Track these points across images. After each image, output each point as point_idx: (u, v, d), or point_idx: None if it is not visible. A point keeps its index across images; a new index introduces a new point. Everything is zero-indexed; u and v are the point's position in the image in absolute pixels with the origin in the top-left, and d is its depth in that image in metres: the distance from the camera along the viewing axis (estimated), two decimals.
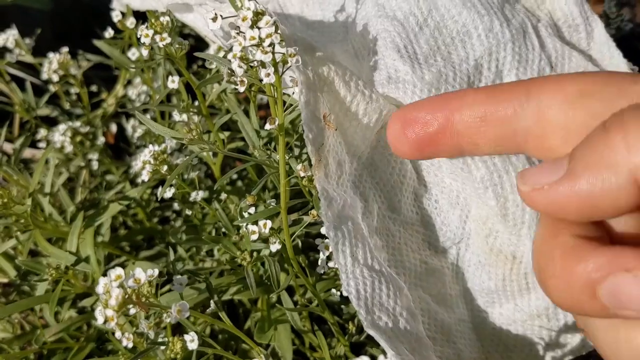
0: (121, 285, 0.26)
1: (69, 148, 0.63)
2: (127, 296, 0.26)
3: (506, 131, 0.25)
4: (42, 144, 0.69)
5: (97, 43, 0.61)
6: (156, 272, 0.31)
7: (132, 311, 0.28)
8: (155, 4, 0.51)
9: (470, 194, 0.39)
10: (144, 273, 0.27)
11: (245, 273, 0.35)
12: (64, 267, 0.42)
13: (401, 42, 0.38)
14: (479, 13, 0.38)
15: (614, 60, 0.40)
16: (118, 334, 0.26)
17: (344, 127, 0.36)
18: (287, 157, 0.37)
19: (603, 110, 0.22)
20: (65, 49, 0.64)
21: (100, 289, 0.26)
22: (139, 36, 0.40)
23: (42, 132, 0.67)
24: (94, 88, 0.76)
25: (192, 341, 0.30)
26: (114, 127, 0.75)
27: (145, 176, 0.41)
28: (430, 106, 0.27)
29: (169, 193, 0.44)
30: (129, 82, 0.71)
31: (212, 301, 0.32)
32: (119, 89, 0.71)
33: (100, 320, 0.26)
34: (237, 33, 0.31)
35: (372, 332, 0.31)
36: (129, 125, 0.71)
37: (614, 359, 0.23)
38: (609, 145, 0.21)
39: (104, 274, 0.27)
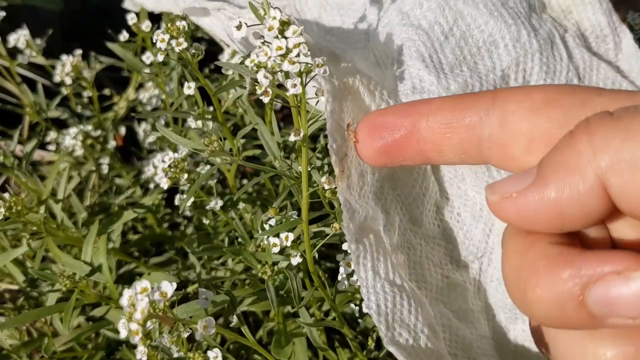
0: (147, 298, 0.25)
1: (79, 152, 0.62)
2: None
3: (471, 138, 0.25)
4: (51, 147, 0.68)
5: (111, 46, 0.60)
6: (174, 285, 0.30)
7: (150, 324, 0.27)
8: (170, 6, 0.50)
9: None
10: (170, 286, 0.26)
11: (266, 287, 0.34)
12: (78, 277, 0.41)
13: (426, 52, 0.38)
14: (506, 22, 0.38)
15: None
16: (141, 349, 0.25)
17: None
18: (309, 169, 0.36)
19: (566, 119, 0.22)
20: (78, 52, 0.63)
21: (124, 301, 0.26)
22: (154, 41, 0.39)
23: (52, 135, 0.66)
24: (105, 91, 0.75)
25: (215, 358, 0.29)
26: (122, 130, 0.74)
27: (164, 185, 0.40)
28: (398, 112, 0.28)
29: (188, 203, 0.44)
30: (141, 85, 0.70)
31: (235, 315, 0.31)
32: (130, 92, 0.70)
33: (123, 334, 0.26)
34: (263, 43, 0.30)
35: (392, 349, 0.30)
36: (140, 129, 0.70)
37: None
38: (575, 148, 0.20)
39: (116, 282, 0.26)
